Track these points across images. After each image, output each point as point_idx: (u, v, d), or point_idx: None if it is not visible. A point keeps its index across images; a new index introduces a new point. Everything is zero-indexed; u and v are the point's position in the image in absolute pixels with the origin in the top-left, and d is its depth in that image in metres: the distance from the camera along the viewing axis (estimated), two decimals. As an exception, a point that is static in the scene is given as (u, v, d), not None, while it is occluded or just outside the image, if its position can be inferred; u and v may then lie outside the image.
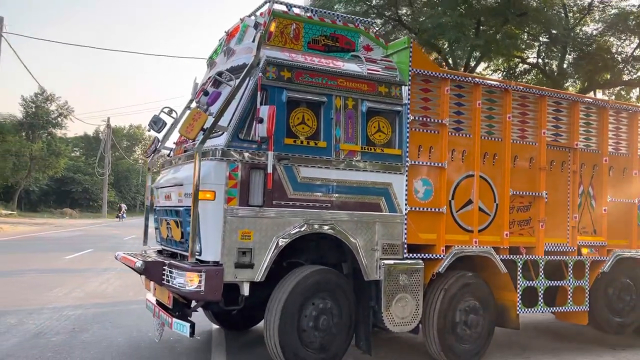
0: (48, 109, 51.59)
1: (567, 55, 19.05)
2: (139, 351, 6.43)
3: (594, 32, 18.56)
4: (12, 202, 46.83)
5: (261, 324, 7.23)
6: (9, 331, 7.06)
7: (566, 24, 17.51)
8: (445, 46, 18.33)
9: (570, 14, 18.50)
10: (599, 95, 19.57)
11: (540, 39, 18.72)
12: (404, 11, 18.80)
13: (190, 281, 5.06)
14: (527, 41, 19.02)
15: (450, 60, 18.51)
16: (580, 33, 18.54)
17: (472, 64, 19.12)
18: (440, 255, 6.16)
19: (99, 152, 55.45)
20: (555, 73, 19.54)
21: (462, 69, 18.04)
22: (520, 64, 21.11)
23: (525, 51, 19.97)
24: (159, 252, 6.68)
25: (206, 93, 5.29)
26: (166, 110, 7.16)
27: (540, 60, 20.35)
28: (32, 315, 7.99)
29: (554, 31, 17.13)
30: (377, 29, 6.73)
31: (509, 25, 17.11)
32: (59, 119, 52.43)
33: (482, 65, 20.86)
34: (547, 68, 20.31)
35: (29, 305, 8.69)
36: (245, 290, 5.26)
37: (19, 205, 48.18)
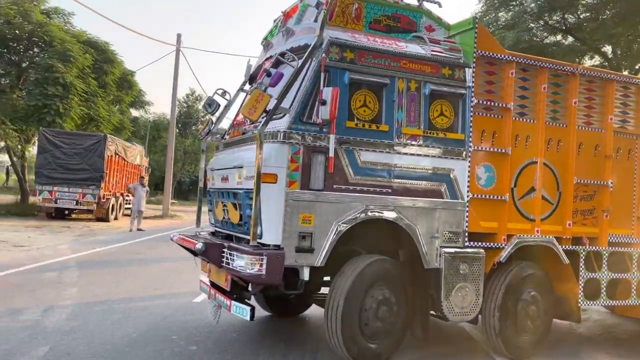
0: (198, 107, 53.57)
1: None
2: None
3: None
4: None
5: (310, 310, 7.22)
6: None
7: None
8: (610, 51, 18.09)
9: None
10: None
11: None
12: (559, 17, 18.29)
13: (251, 264, 5.01)
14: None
15: (614, 63, 18.18)
16: None
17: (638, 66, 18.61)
18: (501, 244, 5.97)
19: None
20: None
21: (626, 71, 17.60)
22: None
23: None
24: (212, 234, 6.65)
25: (269, 74, 5.17)
26: (220, 92, 7.10)
27: None
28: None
29: None
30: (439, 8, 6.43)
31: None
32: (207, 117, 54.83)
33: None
34: None
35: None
36: (306, 274, 5.18)
37: (173, 195, 50.59)
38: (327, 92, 4.97)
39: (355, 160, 5.37)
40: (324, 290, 6.20)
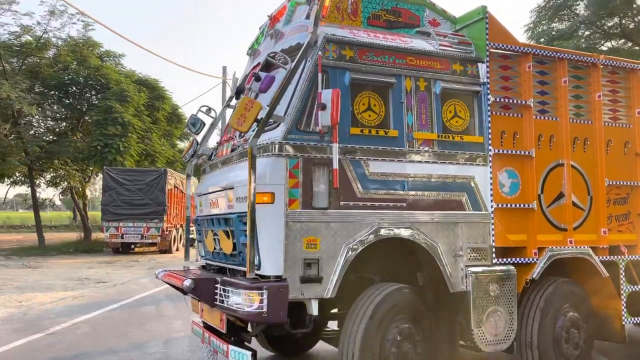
0: None
1: None
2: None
3: None
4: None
5: (317, 347, 6.41)
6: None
7: None
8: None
9: None
10: None
11: None
12: (616, 22, 18.02)
13: (249, 300, 4.23)
14: None
15: None
16: None
17: None
18: (533, 259, 5.25)
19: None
20: None
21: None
22: None
23: None
24: (203, 267, 5.88)
25: (258, 78, 4.48)
26: (204, 109, 6.41)
27: None
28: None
29: None
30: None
31: None
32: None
33: None
34: None
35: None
36: (314, 309, 4.41)
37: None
38: (327, 95, 4.29)
39: (362, 172, 4.66)
40: (332, 323, 5.44)
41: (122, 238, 21.15)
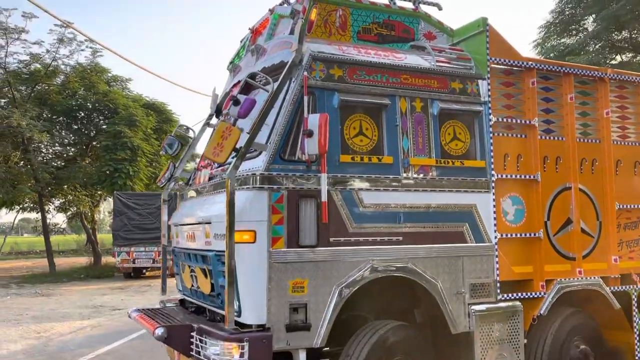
0: None
1: None
2: None
3: None
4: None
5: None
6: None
7: None
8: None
9: None
10: None
11: None
12: (626, 35, 17.78)
13: (228, 353, 3.77)
14: None
15: None
16: None
17: None
18: (540, 293, 4.82)
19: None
20: None
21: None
22: None
23: None
24: (181, 302, 5.40)
25: (236, 102, 3.99)
26: (183, 129, 5.94)
27: None
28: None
29: None
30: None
31: None
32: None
33: None
34: None
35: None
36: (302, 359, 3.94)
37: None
38: (314, 120, 3.84)
39: (354, 204, 4.20)
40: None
41: (134, 263, 20.81)
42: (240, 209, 3.82)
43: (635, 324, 5.26)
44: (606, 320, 5.26)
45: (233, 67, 5.51)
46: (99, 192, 24.01)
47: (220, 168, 4.43)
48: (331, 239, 4.09)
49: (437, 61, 4.70)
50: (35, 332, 9.95)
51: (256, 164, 3.99)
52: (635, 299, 5.29)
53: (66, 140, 24.67)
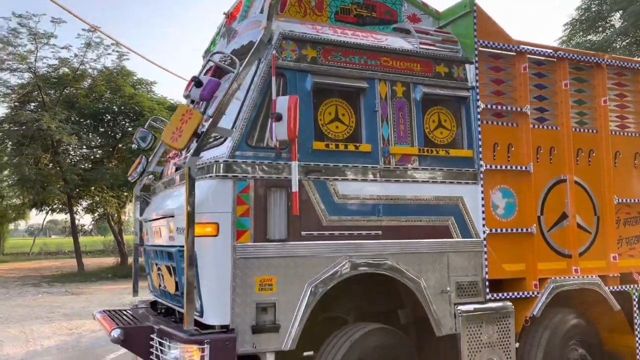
0: None
1: None
2: None
3: None
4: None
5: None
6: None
7: None
8: None
9: None
10: None
11: None
12: None
13: (189, 356, 3.44)
14: None
15: None
16: None
17: None
18: (533, 293, 4.48)
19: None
20: None
21: None
22: None
23: None
24: (153, 304, 5.08)
25: (199, 83, 3.68)
26: (156, 121, 5.64)
27: None
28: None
29: None
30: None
31: None
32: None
33: None
34: None
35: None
36: None
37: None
38: (282, 103, 3.53)
39: (329, 195, 3.88)
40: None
41: None
42: (202, 200, 3.50)
43: (636, 327, 4.91)
44: (605, 323, 4.93)
45: (207, 54, 5.21)
46: (125, 194, 24.25)
47: (184, 157, 4.12)
48: (303, 233, 3.77)
49: (421, 43, 4.39)
50: (67, 328, 9.99)
51: (220, 151, 3.68)
52: (636, 300, 4.95)
53: (93, 143, 24.98)
